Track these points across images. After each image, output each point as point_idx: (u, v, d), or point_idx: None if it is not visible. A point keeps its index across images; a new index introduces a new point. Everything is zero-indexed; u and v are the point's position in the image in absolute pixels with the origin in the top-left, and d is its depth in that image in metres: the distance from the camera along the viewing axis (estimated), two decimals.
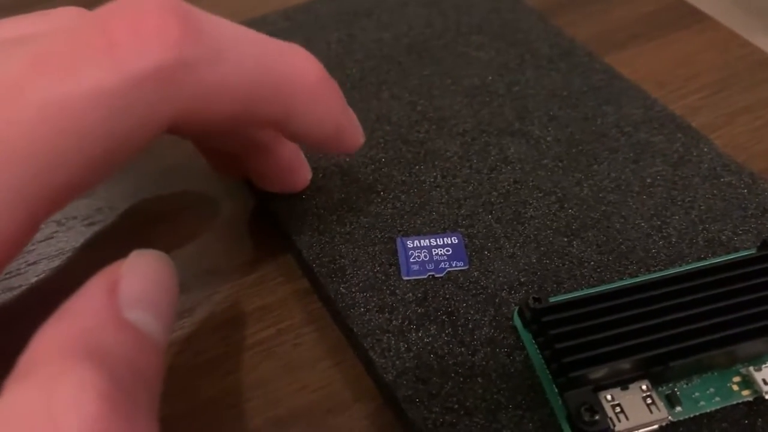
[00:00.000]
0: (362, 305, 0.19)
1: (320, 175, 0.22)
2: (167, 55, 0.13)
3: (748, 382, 0.17)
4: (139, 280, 0.13)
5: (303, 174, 0.21)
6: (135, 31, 0.13)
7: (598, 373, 0.16)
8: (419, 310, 0.18)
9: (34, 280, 0.20)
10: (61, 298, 0.20)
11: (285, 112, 0.16)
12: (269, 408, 0.18)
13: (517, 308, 0.18)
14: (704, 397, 0.16)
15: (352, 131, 0.18)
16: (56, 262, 0.21)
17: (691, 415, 0.16)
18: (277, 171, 0.20)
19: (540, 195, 0.21)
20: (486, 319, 0.18)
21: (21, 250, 0.13)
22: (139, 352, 0.12)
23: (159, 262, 0.14)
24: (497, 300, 0.19)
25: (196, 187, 0.23)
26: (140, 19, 0.13)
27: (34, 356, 0.12)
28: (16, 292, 0.20)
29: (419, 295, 0.19)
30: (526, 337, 0.18)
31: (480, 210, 0.21)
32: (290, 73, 0.16)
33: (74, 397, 0.11)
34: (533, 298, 0.17)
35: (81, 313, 0.12)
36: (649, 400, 0.16)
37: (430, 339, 0.18)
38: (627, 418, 0.16)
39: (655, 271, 0.19)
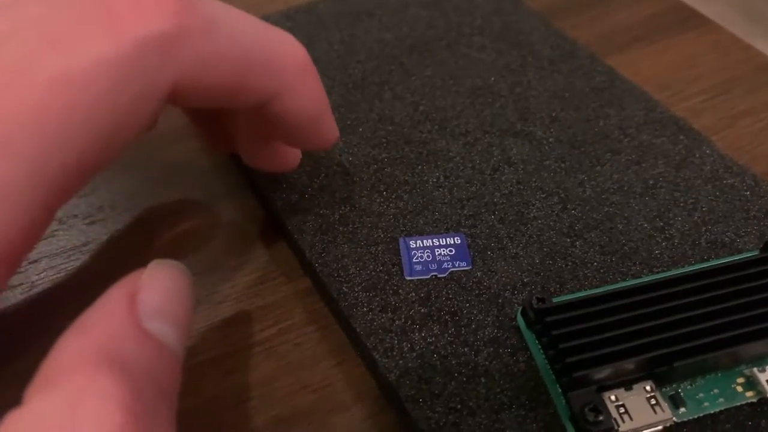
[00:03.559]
0: (365, 305, 0.18)
1: (323, 174, 0.22)
2: (166, 24, 0.13)
3: (752, 383, 0.17)
4: (159, 291, 0.13)
5: (293, 153, 0.21)
6: (134, 2, 0.13)
7: (602, 373, 0.16)
8: (422, 310, 0.18)
9: (34, 278, 0.20)
10: (63, 296, 0.20)
11: (275, 87, 0.16)
12: (270, 407, 0.18)
13: (520, 308, 0.18)
14: (708, 398, 0.16)
15: (330, 121, 0.18)
16: (57, 260, 0.21)
17: (695, 416, 0.16)
18: (268, 148, 0.20)
19: (543, 196, 0.21)
20: (489, 319, 0.18)
21: (38, 239, 0.13)
22: (159, 362, 0.12)
23: (177, 273, 0.14)
24: (500, 300, 0.19)
25: (196, 187, 0.23)
26: None
27: (57, 366, 0.12)
28: (17, 290, 0.20)
29: (422, 295, 0.19)
30: (530, 337, 0.18)
31: (483, 210, 0.21)
32: (280, 51, 0.16)
33: (98, 408, 0.11)
34: (537, 298, 0.17)
35: (102, 324, 0.12)
36: (653, 401, 0.16)
37: (433, 339, 0.18)
38: (631, 419, 0.16)
39: (658, 272, 0.19)
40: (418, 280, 0.19)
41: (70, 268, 0.21)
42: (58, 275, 0.20)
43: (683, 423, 0.16)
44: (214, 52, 0.14)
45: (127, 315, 0.12)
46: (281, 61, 0.16)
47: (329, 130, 0.18)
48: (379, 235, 0.20)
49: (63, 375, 0.11)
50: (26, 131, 0.12)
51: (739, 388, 0.17)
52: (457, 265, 0.19)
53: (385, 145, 0.23)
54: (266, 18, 0.28)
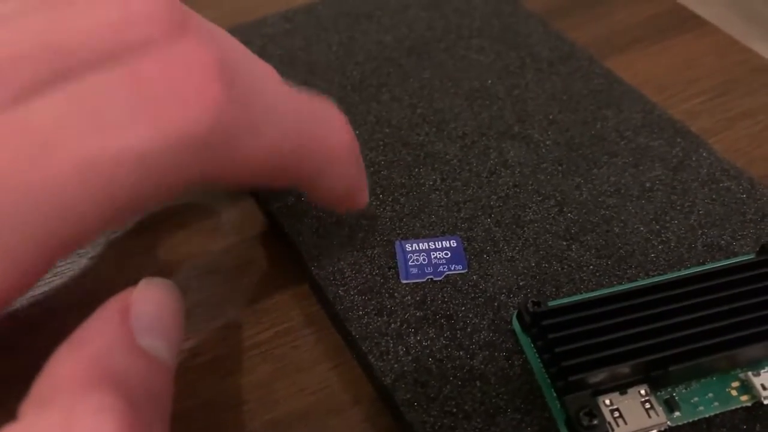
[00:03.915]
0: (361, 308, 0.19)
1: None
2: (206, 121, 0.12)
3: (746, 388, 0.17)
4: (150, 307, 0.13)
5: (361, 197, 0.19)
6: (177, 92, 0.12)
7: (597, 377, 0.16)
8: (418, 314, 0.18)
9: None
10: (64, 298, 0.20)
11: (311, 176, 0.16)
12: (267, 410, 0.18)
13: (516, 312, 0.18)
14: (703, 402, 0.16)
15: (363, 192, 0.18)
16: (58, 263, 0.21)
17: (690, 420, 0.16)
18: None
19: (539, 199, 0.21)
20: (485, 322, 0.18)
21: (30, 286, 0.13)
22: (152, 377, 0.13)
23: (167, 291, 0.14)
24: (496, 303, 0.19)
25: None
26: (183, 77, 0.12)
27: (52, 381, 0.12)
28: None
29: (418, 298, 0.19)
30: (525, 340, 0.18)
31: (479, 213, 0.21)
32: (324, 142, 0.15)
33: (95, 423, 0.11)
34: (532, 301, 0.17)
35: (96, 340, 0.12)
36: (647, 405, 0.16)
37: (429, 342, 0.18)
38: (625, 423, 0.16)
39: (654, 276, 0.19)
40: (414, 283, 0.19)
41: (70, 271, 0.21)
42: (59, 278, 0.20)
43: (678, 427, 0.16)
44: (253, 153, 0.14)
45: (120, 331, 0.12)
46: (322, 155, 0.16)
47: (361, 198, 0.18)
48: (376, 238, 0.20)
49: (58, 390, 0.11)
50: (38, 205, 0.12)
51: (734, 392, 0.17)
52: (453, 269, 0.19)
53: (382, 147, 0.23)
54: (265, 20, 0.28)
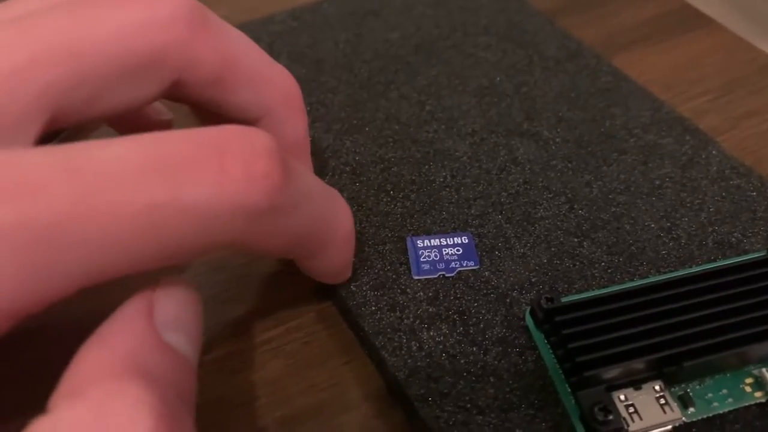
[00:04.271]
0: (373, 304, 0.19)
1: (330, 174, 0.22)
2: (264, 199, 0.13)
3: (760, 384, 0.17)
4: (173, 305, 0.13)
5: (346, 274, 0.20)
6: (246, 168, 0.13)
7: (612, 372, 0.16)
8: (430, 310, 0.18)
9: None
10: (75, 294, 0.20)
11: (314, 254, 0.17)
12: (279, 406, 0.18)
13: (528, 308, 0.18)
14: (717, 398, 0.16)
15: (349, 270, 0.19)
16: None
17: (704, 416, 0.16)
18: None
19: (550, 196, 0.21)
20: (497, 318, 0.18)
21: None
22: (180, 373, 0.13)
23: (187, 288, 0.14)
24: (508, 300, 0.19)
25: None
26: (253, 159, 0.13)
27: (82, 375, 0.12)
28: None
29: (430, 294, 0.19)
30: (538, 336, 0.18)
31: (490, 210, 0.21)
32: (333, 226, 0.17)
33: (130, 415, 0.11)
34: (546, 298, 0.17)
35: (123, 336, 0.12)
36: (662, 401, 0.16)
37: (442, 338, 0.18)
38: (641, 418, 0.16)
39: (665, 273, 0.19)
40: (425, 279, 0.19)
41: None
42: None
43: (692, 423, 0.16)
44: (284, 228, 0.15)
45: (146, 327, 0.13)
46: (332, 234, 0.17)
47: (344, 276, 0.19)
48: (387, 235, 0.20)
49: (90, 383, 0.11)
50: (100, 241, 0.12)
51: (748, 389, 0.17)
52: (464, 265, 0.19)
53: (391, 144, 0.23)
54: (273, 17, 0.28)
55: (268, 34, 0.27)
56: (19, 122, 0.14)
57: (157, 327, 0.13)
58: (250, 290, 0.20)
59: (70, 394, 0.11)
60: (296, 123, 0.19)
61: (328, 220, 0.16)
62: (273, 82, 0.18)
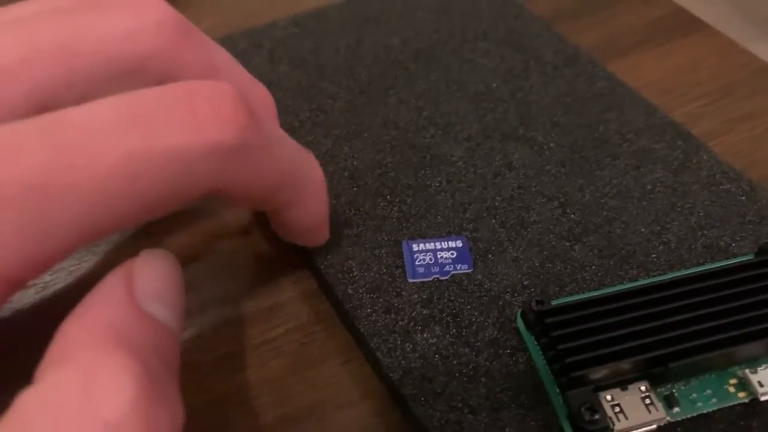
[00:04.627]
0: (369, 306, 0.19)
1: (328, 178, 0.22)
2: (236, 136, 0.14)
3: (744, 384, 0.17)
4: (152, 275, 0.14)
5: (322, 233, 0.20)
6: (216, 111, 0.14)
7: (599, 373, 0.16)
8: (424, 312, 0.19)
9: (48, 278, 0.21)
10: (75, 297, 0.21)
11: (294, 200, 0.18)
12: (279, 405, 0.18)
13: (520, 310, 0.19)
14: (701, 399, 0.17)
15: (325, 230, 0.20)
16: (69, 262, 0.21)
17: (689, 416, 0.17)
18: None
19: (543, 200, 0.22)
20: (490, 320, 0.19)
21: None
22: (161, 342, 0.13)
23: (167, 260, 0.15)
24: (501, 302, 0.19)
25: None
26: (221, 102, 0.14)
27: (65, 345, 0.12)
28: (31, 291, 0.20)
29: (425, 296, 0.19)
30: (529, 338, 0.18)
31: (484, 214, 0.21)
32: (307, 171, 0.18)
33: (114, 381, 0.11)
34: (536, 300, 0.18)
35: (105, 306, 0.13)
36: (648, 401, 0.17)
37: (435, 340, 0.18)
38: (626, 418, 0.16)
39: (655, 276, 0.20)
40: (420, 282, 0.20)
41: (82, 270, 0.21)
42: (71, 276, 0.21)
43: (677, 422, 0.17)
44: (261, 167, 0.16)
45: (126, 298, 0.13)
46: (305, 182, 0.18)
47: (322, 236, 0.20)
48: (383, 238, 0.21)
49: (75, 351, 0.12)
50: (86, 192, 0.13)
51: (732, 389, 0.17)
52: (458, 268, 0.20)
53: (389, 149, 0.23)
54: (275, 24, 0.28)
55: (269, 40, 0.28)
56: (6, 120, 0.14)
57: (136, 297, 0.13)
58: (250, 291, 0.21)
59: (55, 361, 0.12)
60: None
61: (301, 166, 0.17)
62: (255, 92, 0.19)
